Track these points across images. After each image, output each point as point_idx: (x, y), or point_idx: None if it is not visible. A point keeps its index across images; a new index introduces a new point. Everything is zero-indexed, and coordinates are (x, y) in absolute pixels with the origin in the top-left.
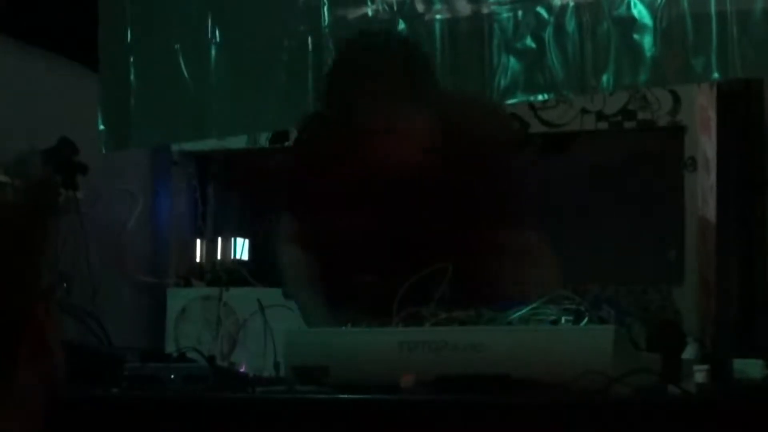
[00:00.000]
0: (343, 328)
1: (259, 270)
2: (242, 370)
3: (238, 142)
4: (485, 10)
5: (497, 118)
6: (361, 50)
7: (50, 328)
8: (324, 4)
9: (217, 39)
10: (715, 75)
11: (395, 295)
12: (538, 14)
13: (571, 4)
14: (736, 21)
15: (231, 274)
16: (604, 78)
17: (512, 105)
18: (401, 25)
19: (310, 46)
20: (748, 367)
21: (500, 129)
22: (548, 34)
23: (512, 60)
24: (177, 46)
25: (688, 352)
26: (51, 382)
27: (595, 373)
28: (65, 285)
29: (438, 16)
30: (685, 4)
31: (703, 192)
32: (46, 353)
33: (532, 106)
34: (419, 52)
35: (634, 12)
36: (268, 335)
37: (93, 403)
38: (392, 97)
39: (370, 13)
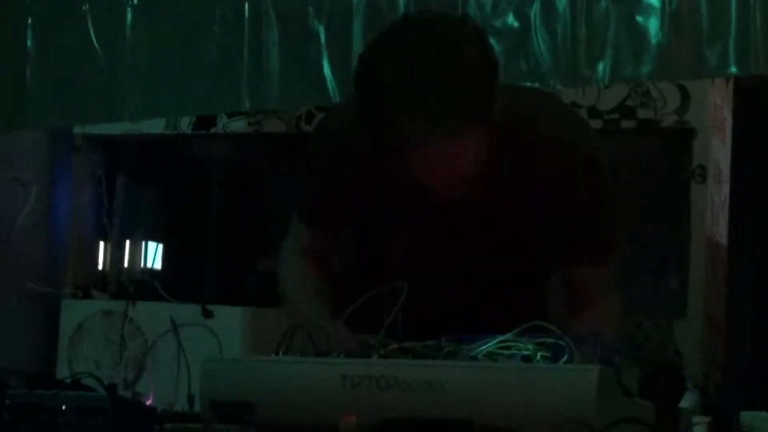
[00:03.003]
0: (274, 356)
1: (173, 282)
2: (149, 402)
3: (154, 126)
4: None
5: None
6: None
7: None
8: None
9: (135, 1)
10: (732, 69)
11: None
12: None
13: None
14: (759, 7)
15: (140, 285)
16: (600, 67)
17: None
18: None
19: (246, 16)
20: (757, 421)
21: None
22: (535, 11)
23: (491, 41)
24: (85, 6)
25: (687, 401)
26: None
27: (574, 422)
28: None
29: None
30: None
31: (713, 208)
32: None
33: None
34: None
35: None
36: (181, 361)
37: None
38: (449, 112)
39: None
